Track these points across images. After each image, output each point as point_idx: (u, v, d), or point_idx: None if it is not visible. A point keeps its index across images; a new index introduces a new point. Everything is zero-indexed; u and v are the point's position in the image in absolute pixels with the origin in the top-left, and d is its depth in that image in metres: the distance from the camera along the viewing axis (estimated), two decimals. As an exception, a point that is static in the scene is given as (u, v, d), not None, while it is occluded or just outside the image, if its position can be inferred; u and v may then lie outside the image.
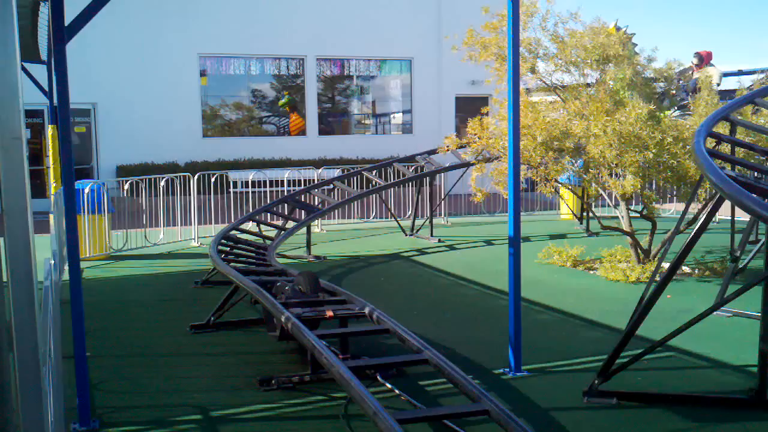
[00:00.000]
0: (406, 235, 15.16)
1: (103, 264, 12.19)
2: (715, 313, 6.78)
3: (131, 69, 20.78)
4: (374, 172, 15.77)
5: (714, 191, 6.61)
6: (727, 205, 6.56)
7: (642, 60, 11.38)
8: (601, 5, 42.08)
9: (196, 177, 14.62)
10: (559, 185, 12.69)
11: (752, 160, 9.15)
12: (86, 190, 12.23)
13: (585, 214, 15.19)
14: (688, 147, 9.92)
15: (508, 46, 6.55)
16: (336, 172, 17.28)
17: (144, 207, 14.32)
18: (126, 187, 14.21)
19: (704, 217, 7.00)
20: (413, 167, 16.56)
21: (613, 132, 10.01)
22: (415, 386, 6.16)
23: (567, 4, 35.09)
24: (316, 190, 14.12)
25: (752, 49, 60.43)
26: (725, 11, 61.77)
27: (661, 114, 10.70)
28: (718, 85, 13.94)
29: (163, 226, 14.22)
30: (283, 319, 6.25)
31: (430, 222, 15.17)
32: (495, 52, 11.44)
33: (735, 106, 8.17)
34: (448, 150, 12.13)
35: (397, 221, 15.53)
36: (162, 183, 14.28)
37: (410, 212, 16.41)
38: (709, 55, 15.27)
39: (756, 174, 7.74)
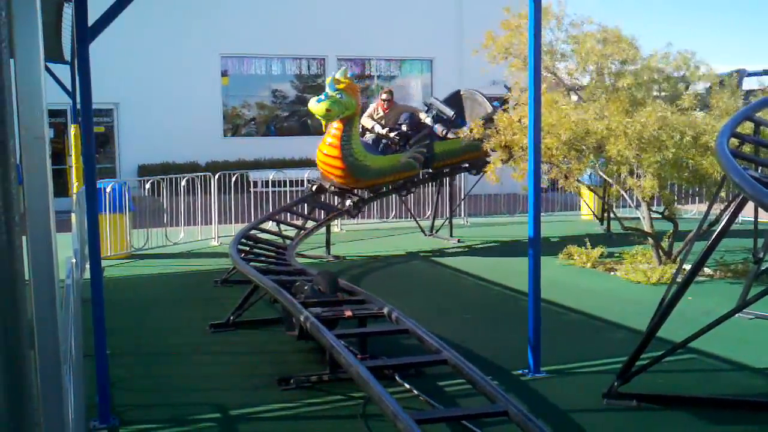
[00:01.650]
0: (426, 235, 15.13)
1: (124, 263, 12.28)
2: (737, 315, 6.72)
3: (153, 69, 20.90)
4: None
5: (737, 192, 6.55)
6: (750, 206, 6.50)
7: (658, 59, 11.27)
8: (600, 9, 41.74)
9: (216, 177, 14.67)
10: (580, 185, 12.63)
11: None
12: (108, 189, 12.31)
13: (606, 214, 15.10)
14: (707, 146, 9.84)
15: (530, 43, 6.52)
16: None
17: (165, 206, 14.40)
18: (147, 186, 14.29)
19: (727, 218, 6.94)
20: (433, 167, 16.51)
21: (633, 133, 9.95)
22: (434, 387, 6.15)
23: (571, 9, 34.88)
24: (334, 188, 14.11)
25: (753, 48, 59.88)
26: (720, 11, 61.23)
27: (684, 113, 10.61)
28: None
29: (184, 225, 14.29)
30: (302, 319, 6.26)
31: (450, 222, 15.14)
32: (514, 53, 11.42)
33: (759, 106, 8.10)
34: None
35: (417, 221, 15.51)
36: (183, 182, 14.34)
37: (430, 212, 16.39)
38: None
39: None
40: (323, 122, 11.37)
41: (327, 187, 12.43)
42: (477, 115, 13.55)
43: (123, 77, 20.27)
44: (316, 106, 11.06)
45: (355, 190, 12.78)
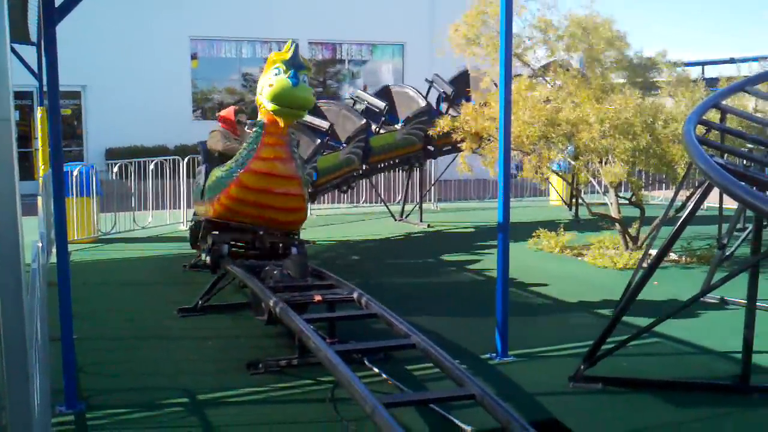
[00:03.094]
0: (396, 219, 15.17)
1: (91, 247, 12.16)
2: (701, 299, 6.84)
3: (121, 51, 20.66)
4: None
5: (703, 179, 6.64)
6: (715, 192, 6.59)
7: (629, 49, 11.39)
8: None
9: (185, 160, 14.57)
10: (550, 172, 12.73)
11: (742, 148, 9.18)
12: (75, 173, 12.17)
13: (574, 200, 15.24)
14: (675, 132, 9.95)
15: (501, 28, 6.51)
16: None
17: (133, 190, 14.27)
18: (115, 170, 14.14)
19: (692, 204, 7.03)
20: (403, 152, 16.51)
21: (606, 119, 10.02)
22: (403, 371, 6.18)
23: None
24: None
25: (741, 38, 60.54)
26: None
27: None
28: None
29: (152, 209, 14.18)
30: (271, 304, 6.25)
31: (420, 207, 15.18)
32: (482, 42, 11.47)
33: (726, 94, 8.19)
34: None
35: (387, 206, 15.54)
36: (151, 166, 14.22)
37: (400, 197, 16.42)
38: None
39: (745, 162, 7.77)
40: (282, 123, 7.35)
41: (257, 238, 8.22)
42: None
43: (91, 59, 20.01)
44: (305, 92, 7.33)
45: None
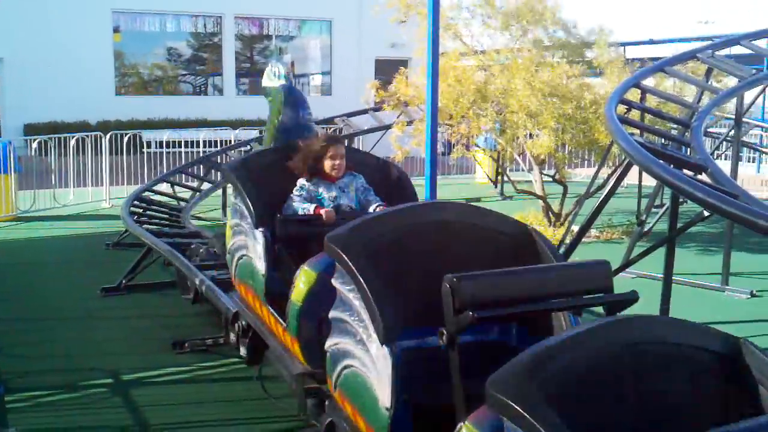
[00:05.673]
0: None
1: (9, 226, 11.80)
2: (620, 274, 7.03)
3: (40, 23, 19.96)
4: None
5: (624, 157, 6.81)
6: (634, 170, 6.77)
7: (565, 23, 11.55)
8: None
9: (108, 136, 14.23)
10: (476, 148, 12.86)
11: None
12: (-9, 149, 11.78)
13: (500, 177, 15.44)
14: (599, 111, 10.16)
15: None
16: (254, 134, 17.05)
17: (53, 167, 13.88)
18: (34, 146, 13.72)
19: (613, 181, 7.21)
20: (332, 129, 16.47)
21: (535, 86, 10.16)
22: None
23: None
24: (233, 151, 13.91)
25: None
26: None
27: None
28: None
29: (73, 186, 13.83)
30: (197, 282, 6.19)
31: (348, 184, 15.17)
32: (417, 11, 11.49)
33: (646, 74, 8.40)
34: (375, 105, 12.03)
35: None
36: (72, 142, 13.86)
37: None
38: None
39: (663, 141, 7.99)
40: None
41: None
42: None
43: (8, 31, 19.35)
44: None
45: None
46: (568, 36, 11.49)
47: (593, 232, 10.90)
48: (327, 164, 4.96)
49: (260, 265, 4.71)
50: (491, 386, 2.28)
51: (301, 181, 4.99)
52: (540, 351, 2.37)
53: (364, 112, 14.85)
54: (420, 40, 11.48)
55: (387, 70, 22.43)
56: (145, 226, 8.97)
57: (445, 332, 2.84)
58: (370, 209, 4.88)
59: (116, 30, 21.75)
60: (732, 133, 9.03)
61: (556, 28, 11.43)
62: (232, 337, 5.40)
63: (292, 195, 4.93)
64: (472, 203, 5.40)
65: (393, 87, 11.66)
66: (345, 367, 3.47)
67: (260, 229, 4.74)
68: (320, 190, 4.99)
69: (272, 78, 5.79)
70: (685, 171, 5.57)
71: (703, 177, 5.55)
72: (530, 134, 11.28)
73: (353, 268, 3.28)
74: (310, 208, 4.83)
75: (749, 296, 7.89)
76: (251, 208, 4.81)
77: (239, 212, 5.03)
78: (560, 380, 2.27)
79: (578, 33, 11.61)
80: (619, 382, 2.41)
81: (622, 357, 2.40)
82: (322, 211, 4.78)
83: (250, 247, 4.85)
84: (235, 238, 5.15)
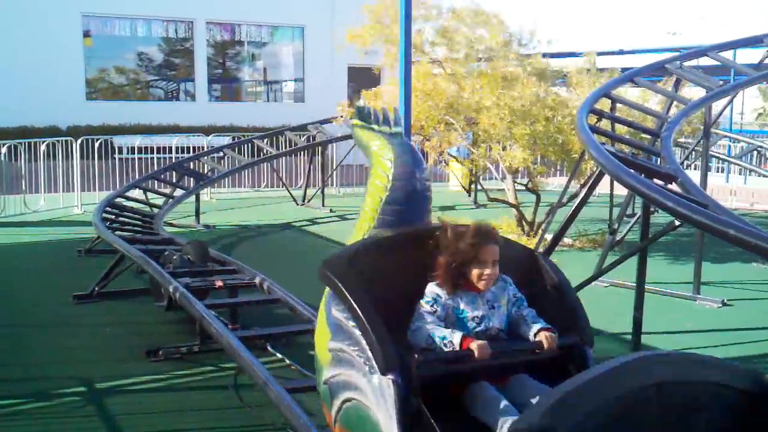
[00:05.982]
0: (298, 204, 15.13)
1: (-22, 231, 11.67)
2: (593, 283, 7.11)
3: (9, 26, 19.76)
4: (266, 141, 15.69)
5: (596, 166, 6.89)
6: (606, 179, 6.86)
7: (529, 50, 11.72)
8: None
9: (79, 141, 14.12)
10: (450, 158, 12.93)
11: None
12: (-40, 154, 11.64)
13: (473, 186, 15.53)
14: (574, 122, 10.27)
15: (401, 11, 6.56)
16: (226, 140, 17.01)
17: (23, 172, 13.73)
18: (3, 150, 13.57)
19: (585, 190, 7.29)
20: (305, 136, 16.48)
21: (505, 105, 10.26)
22: (306, 356, 6.18)
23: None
24: (205, 157, 13.87)
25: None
26: None
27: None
28: None
29: (44, 192, 13.70)
30: (170, 289, 6.15)
31: (322, 192, 15.19)
32: (381, 36, 11.63)
33: (616, 84, 8.52)
34: (342, 118, 12.10)
35: (289, 191, 15.49)
36: (43, 147, 13.73)
37: (302, 182, 16.38)
38: None
39: (633, 150, 8.11)
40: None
41: None
42: None
43: (-25, 35, 19.09)
44: None
45: None
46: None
47: (567, 240, 11.00)
48: (474, 272, 3.29)
49: (389, 428, 2.92)
50: None
51: (434, 290, 3.31)
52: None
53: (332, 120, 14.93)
54: (388, 52, 11.62)
55: (360, 77, 22.54)
56: (118, 232, 8.90)
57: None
58: (530, 334, 3.28)
59: (86, 34, 21.58)
60: (701, 143, 9.17)
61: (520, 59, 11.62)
62: None
63: (420, 310, 3.27)
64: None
65: (362, 101, 11.74)
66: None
67: (389, 376, 2.96)
68: (461, 305, 3.31)
69: (372, 121, 4.28)
70: (656, 180, 5.66)
71: (674, 186, 5.65)
72: (503, 147, 11.39)
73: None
74: (454, 338, 3.12)
75: (720, 305, 7.97)
76: (375, 344, 3.02)
77: (346, 334, 3.28)
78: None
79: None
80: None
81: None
82: (474, 346, 3.06)
83: (369, 396, 3.04)
84: (339, 370, 3.33)
